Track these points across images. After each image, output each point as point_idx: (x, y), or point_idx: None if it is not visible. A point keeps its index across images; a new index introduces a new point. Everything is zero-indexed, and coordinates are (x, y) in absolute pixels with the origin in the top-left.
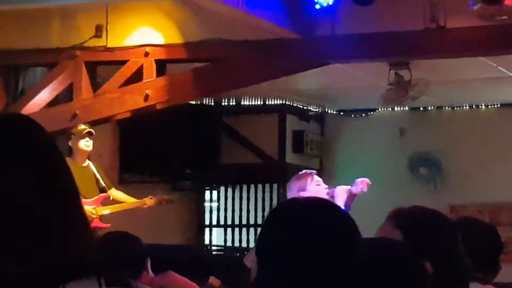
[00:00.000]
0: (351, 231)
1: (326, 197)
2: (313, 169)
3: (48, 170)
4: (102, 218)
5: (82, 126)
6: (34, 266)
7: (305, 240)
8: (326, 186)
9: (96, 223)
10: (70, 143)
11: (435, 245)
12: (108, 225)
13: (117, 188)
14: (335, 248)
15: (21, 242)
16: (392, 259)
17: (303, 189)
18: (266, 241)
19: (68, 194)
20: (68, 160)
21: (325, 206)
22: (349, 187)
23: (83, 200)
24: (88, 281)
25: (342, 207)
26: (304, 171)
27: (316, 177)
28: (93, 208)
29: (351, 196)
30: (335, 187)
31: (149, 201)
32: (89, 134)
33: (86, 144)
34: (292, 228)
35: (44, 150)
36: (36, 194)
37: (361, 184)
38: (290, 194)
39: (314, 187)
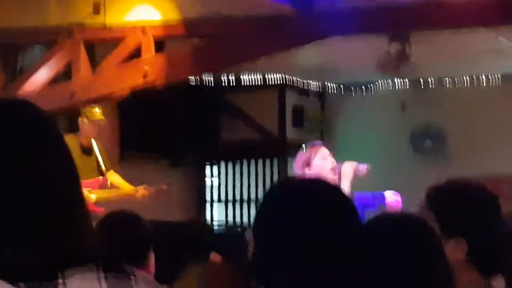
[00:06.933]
0: (346, 212)
1: (330, 173)
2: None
3: (50, 156)
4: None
5: (97, 110)
6: (32, 253)
7: (299, 221)
8: (333, 160)
9: (90, 207)
10: (79, 122)
11: (465, 221)
12: (102, 209)
13: (118, 165)
14: (329, 229)
15: (19, 228)
16: (397, 236)
17: (308, 164)
18: (261, 222)
19: (69, 181)
20: (73, 139)
21: (320, 187)
22: (355, 164)
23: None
24: (86, 268)
25: (348, 186)
26: (310, 143)
27: (322, 151)
28: (88, 191)
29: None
30: (342, 162)
31: (142, 190)
32: (100, 122)
33: (94, 131)
34: (287, 210)
35: (47, 135)
36: (36, 181)
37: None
38: (296, 169)
39: (319, 161)
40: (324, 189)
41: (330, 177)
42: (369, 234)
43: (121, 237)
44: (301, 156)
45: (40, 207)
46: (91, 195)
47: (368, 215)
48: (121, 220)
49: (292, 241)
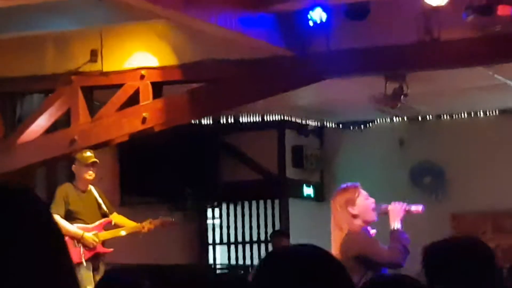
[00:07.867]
0: (339, 277)
1: (373, 213)
2: (314, 183)
3: (43, 247)
4: (104, 241)
5: (88, 154)
6: None
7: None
8: (373, 200)
9: (98, 249)
10: (73, 169)
11: (444, 277)
12: (110, 250)
13: (118, 211)
14: None
15: None
16: None
17: (352, 204)
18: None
19: (62, 268)
20: (70, 186)
21: (313, 253)
22: (405, 204)
23: (86, 227)
24: None
25: (399, 225)
26: (348, 184)
27: (363, 191)
28: (94, 234)
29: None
30: (388, 203)
31: (147, 224)
32: (93, 164)
33: (89, 174)
34: (279, 279)
35: (40, 225)
36: (29, 271)
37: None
38: (336, 208)
39: (362, 201)
40: (316, 255)
41: (373, 216)
42: None
43: None
44: (342, 195)
45: None
46: (103, 236)
47: None
48: (117, 281)
49: None
